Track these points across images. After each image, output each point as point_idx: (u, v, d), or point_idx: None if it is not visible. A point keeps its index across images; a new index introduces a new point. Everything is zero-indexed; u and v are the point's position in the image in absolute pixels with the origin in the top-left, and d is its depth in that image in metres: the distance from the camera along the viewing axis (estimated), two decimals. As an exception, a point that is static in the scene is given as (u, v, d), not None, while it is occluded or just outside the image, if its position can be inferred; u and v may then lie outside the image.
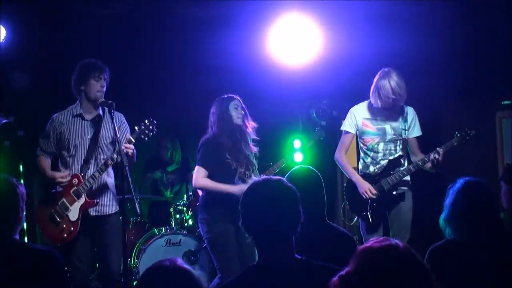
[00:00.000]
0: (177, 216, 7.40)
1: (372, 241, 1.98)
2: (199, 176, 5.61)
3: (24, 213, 3.68)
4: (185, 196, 7.56)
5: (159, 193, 8.24)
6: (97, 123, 5.51)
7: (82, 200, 5.42)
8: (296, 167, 4.29)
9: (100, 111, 5.51)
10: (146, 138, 5.47)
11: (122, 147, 5.20)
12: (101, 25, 6.93)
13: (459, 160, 6.49)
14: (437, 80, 7.15)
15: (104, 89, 5.48)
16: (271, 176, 3.03)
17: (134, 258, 7.08)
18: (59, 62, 6.75)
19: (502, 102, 6.90)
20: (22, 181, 3.84)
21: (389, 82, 5.70)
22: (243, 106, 5.73)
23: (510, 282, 3.26)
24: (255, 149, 5.75)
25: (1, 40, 6.33)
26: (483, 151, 6.82)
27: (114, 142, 5.51)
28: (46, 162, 5.56)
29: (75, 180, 5.43)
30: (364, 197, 5.81)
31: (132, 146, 5.33)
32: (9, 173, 6.23)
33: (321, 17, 7.13)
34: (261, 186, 2.92)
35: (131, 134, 5.40)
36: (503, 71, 6.87)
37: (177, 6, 7.08)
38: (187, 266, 2.44)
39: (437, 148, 5.73)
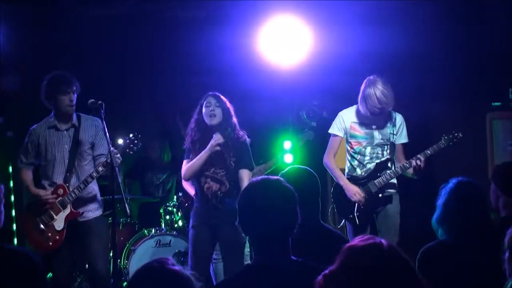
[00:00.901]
0: (167, 217, 7.38)
1: (357, 239, 1.98)
2: (184, 167, 5.72)
3: (3, 215, 3.67)
4: (175, 197, 7.54)
5: (149, 195, 8.20)
6: (73, 132, 5.57)
7: (67, 211, 5.50)
8: (292, 166, 4.28)
9: (75, 119, 5.58)
10: (131, 152, 5.54)
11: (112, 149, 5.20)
12: (90, 26, 6.91)
13: (450, 161, 6.50)
14: (426, 80, 7.16)
15: (74, 101, 5.50)
16: (270, 176, 2.98)
17: (124, 259, 7.06)
18: (49, 62, 6.72)
19: (493, 104, 6.90)
20: (11, 183, 3.83)
21: (375, 92, 5.68)
22: (222, 101, 5.64)
23: (502, 283, 3.26)
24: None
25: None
26: (473, 152, 6.82)
27: (93, 146, 5.59)
28: (28, 176, 5.64)
29: (61, 191, 5.51)
30: (353, 199, 5.81)
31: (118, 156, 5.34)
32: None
33: (311, 17, 7.14)
34: (259, 186, 2.89)
35: (116, 148, 5.44)
36: (494, 72, 6.88)
37: (168, 6, 7.07)
38: (177, 267, 2.42)
39: (418, 155, 5.74)
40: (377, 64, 5.97)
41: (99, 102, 5.27)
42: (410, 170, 5.80)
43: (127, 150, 5.48)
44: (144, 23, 7.18)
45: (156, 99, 8.06)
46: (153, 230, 7.18)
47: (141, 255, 6.86)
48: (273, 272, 2.77)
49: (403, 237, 5.86)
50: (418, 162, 5.70)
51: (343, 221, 6.04)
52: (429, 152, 5.75)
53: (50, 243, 5.46)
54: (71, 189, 5.46)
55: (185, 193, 6.81)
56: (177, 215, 7.35)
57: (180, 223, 7.31)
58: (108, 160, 5.17)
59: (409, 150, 5.98)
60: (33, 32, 7.00)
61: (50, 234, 5.46)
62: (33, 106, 6.90)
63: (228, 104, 5.67)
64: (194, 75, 7.34)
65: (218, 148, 5.53)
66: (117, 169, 5.14)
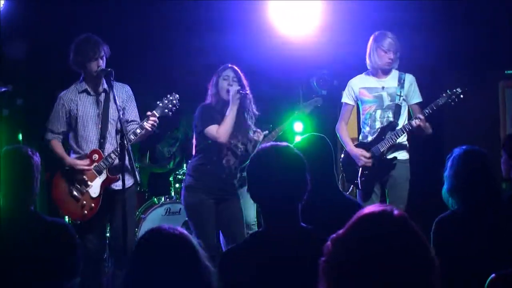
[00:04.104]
0: (177, 185, 7.40)
1: (369, 207, 1.97)
2: (215, 130, 5.48)
3: (39, 183, 3.68)
4: (184, 165, 7.54)
5: (160, 166, 8.17)
6: (104, 96, 5.44)
7: (103, 176, 5.37)
8: (308, 134, 4.27)
9: (105, 84, 5.41)
10: (170, 113, 5.45)
11: (147, 124, 5.22)
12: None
13: (460, 130, 6.47)
14: (438, 49, 7.09)
15: (104, 63, 5.36)
16: (279, 143, 2.96)
17: (134, 227, 7.09)
18: (59, 29, 6.70)
19: (506, 72, 6.85)
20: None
21: (385, 43, 5.77)
22: (239, 76, 5.60)
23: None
24: (251, 125, 5.68)
25: (0, 8, 6.27)
26: (485, 121, 6.78)
27: (124, 112, 5.46)
28: (61, 147, 5.44)
29: (95, 156, 5.36)
30: (359, 163, 5.82)
31: (157, 121, 5.31)
32: (8, 143, 6.24)
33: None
34: (268, 152, 2.87)
35: (155, 109, 5.36)
36: (507, 40, 6.81)
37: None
38: (187, 233, 2.42)
39: (418, 114, 5.73)
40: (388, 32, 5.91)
41: (109, 69, 5.23)
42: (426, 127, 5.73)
43: (166, 111, 5.41)
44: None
45: (166, 73, 8.01)
46: (162, 199, 7.22)
47: (151, 223, 6.89)
48: (281, 239, 2.77)
49: (412, 205, 5.84)
50: (418, 121, 5.68)
51: (351, 187, 6.04)
52: (428, 110, 5.72)
53: (85, 212, 5.30)
54: (106, 154, 5.34)
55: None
56: (187, 183, 7.35)
57: (190, 191, 7.31)
58: (119, 128, 5.12)
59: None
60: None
61: (85, 202, 5.30)
62: (43, 73, 6.90)
63: (244, 79, 5.62)
64: (203, 48, 7.30)
65: (239, 95, 5.43)
66: (131, 137, 5.14)
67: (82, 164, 5.33)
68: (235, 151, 5.59)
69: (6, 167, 3.68)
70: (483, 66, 7.03)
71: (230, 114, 5.46)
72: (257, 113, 5.71)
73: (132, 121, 5.50)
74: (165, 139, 8.14)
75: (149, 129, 5.30)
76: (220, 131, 5.45)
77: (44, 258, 3.42)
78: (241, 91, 5.46)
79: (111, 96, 5.27)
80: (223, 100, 5.56)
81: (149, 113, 5.36)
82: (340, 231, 1.94)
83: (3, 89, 6.71)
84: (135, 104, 5.54)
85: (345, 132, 6.07)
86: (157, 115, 5.35)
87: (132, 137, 5.28)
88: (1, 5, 6.29)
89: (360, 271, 1.82)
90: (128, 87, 5.54)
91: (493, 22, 6.83)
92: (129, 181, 5.41)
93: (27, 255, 3.39)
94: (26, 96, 7.12)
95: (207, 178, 5.52)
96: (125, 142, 4.92)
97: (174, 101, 5.42)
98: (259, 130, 5.74)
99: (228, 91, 5.51)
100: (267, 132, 6.05)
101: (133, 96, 5.55)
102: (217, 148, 5.54)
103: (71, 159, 5.39)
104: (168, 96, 5.43)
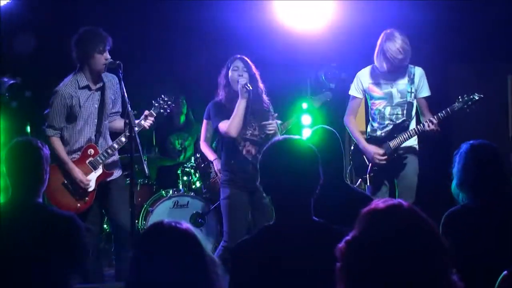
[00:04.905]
0: (185, 178, 7.39)
1: (376, 202, 1.95)
2: (225, 126, 5.49)
3: (48, 175, 3.70)
4: (192, 158, 7.54)
5: (169, 158, 8.14)
6: (102, 91, 5.46)
7: (99, 171, 5.43)
8: (317, 127, 4.27)
9: (104, 78, 5.45)
10: (165, 113, 5.55)
11: (146, 123, 5.38)
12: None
13: (469, 124, 6.45)
14: (446, 42, 7.06)
15: (109, 58, 5.36)
16: (292, 136, 2.95)
17: (141, 220, 7.10)
18: (66, 22, 6.70)
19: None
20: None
21: (394, 43, 5.65)
22: (249, 66, 5.59)
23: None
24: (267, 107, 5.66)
25: (8, 0, 6.28)
26: (494, 115, 6.76)
27: (113, 104, 5.53)
28: (61, 146, 5.40)
29: (91, 151, 5.41)
30: (374, 162, 5.80)
31: (152, 119, 5.40)
32: (16, 135, 6.25)
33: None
34: (281, 145, 2.86)
35: (152, 109, 5.45)
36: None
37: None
38: (188, 225, 2.41)
39: (431, 117, 5.68)
40: (396, 24, 5.88)
41: (117, 62, 5.22)
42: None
43: (161, 110, 5.48)
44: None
45: (171, 65, 8.00)
46: (170, 191, 7.21)
47: (158, 216, 6.87)
48: (293, 233, 2.75)
49: (419, 201, 5.83)
50: (431, 124, 5.65)
51: (359, 181, 6.03)
52: (442, 114, 5.67)
53: (79, 205, 5.37)
54: (102, 149, 5.40)
55: (203, 154, 6.80)
56: (195, 176, 7.36)
57: (198, 184, 7.33)
58: (127, 121, 5.13)
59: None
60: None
61: (79, 196, 5.39)
62: (52, 65, 6.90)
63: (254, 68, 5.61)
64: (213, 40, 7.29)
65: (245, 90, 5.41)
66: (135, 129, 5.14)
67: (80, 178, 5.33)
68: (253, 140, 5.58)
69: (16, 159, 3.70)
70: (492, 59, 6.99)
71: (239, 109, 5.45)
72: (268, 101, 5.71)
73: (116, 112, 5.62)
74: (178, 132, 8.12)
75: (147, 127, 5.47)
76: (230, 126, 5.46)
77: (52, 250, 3.43)
78: (247, 86, 5.43)
79: (106, 91, 5.38)
80: (234, 91, 5.56)
81: (146, 112, 5.45)
82: (353, 232, 1.92)
83: (11, 82, 6.72)
84: (121, 94, 5.37)
85: (355, 127, 6.05)
86: (154, 115, 5.43)
87: (125, 136, 5.31)
88: (1, 3, 6.29)
89: (378, 269, 1.82)
90: (114, 75, 5.44)
91: (502, 15, 6.79)
92: (118, 171, 5.58)
93: (34, 246, 3.41)
94: (35, 88, 7.12)
95: (235, 172, 5.55)
96: (133, 134, 4.94)
97: (169, 102, 5.50)
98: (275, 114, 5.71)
99: (238, 82, 5.51)
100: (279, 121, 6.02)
101: (121, 88, 5.47)
102: (232, 141, 5.55)
103: (74, 169, 5.35)
104: (163, 96, 5.51)
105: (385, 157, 5.79)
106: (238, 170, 5.55)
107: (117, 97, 5.54)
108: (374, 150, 5.82)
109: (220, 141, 5.73)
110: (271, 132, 5.54)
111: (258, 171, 5.10)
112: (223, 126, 5.50)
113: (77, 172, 5.35)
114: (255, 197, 5.54)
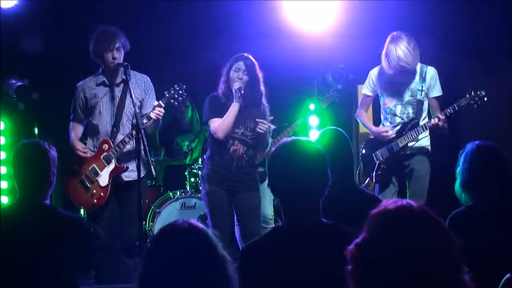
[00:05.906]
0: (192, 179, 7.39)
1: (385, 203, 1.94)
2: (215, 125, 5.49)
3: (55, 177, 3.70)
4: (199, 159, 7.54)
5: (176, 158, 8.14)
6: (122, 87, 5.50)
7: (112, 166, 5.45)
8: (326, 128, 4.27)
9: (123, 76, 5.44)
10: (176, 103, 5.50)
11: (153, 113, 5.27)
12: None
13: (474, 122, 6.42)
14: (451, 39, 7.03)
15: (119, 54, 5.41)
16: (300, 137, 2.94)
17: (149, 222, 7.10)
18: (74, 23, 6.70)
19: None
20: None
21: (396, 50, 5.56)
22: (252, 68, 5.50)
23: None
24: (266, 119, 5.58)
25: (16, 1, 6.29)
26: (499, 113, 6.73)
27: (141, 104, 5.52)
28: (76, 129, 5.58)
29: (105, 146, 5.46)
30: (386, 139, 5.81)
31: (162, 111, 5.34)
32: (24, 136, 6.27)
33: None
34: (289, 147, 2.85)
35: (161, 99, 5.40)
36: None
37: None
38: (201, 225, 2.41)
39: (438, 114, 5.65)
40: (403, 25, 5.86)
41: (125, 63, 5.26)
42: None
43: (172, 100, 5.43)
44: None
45: (177, 64, 8.00)
46: (178, 193, 7.21)
47: (166, 218, 6.89)
48: (302, 234, 2.75)
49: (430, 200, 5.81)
50: (437, 120, 5.61)
51: (367, 180, 6.02)
52: (449, 110, 5.62)
53: (95, 200, 5.40)
54: (115, 144, 5.42)
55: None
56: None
57: (205, 185, 7.31)
58: (134, 122, 5.15)
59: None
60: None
61: (95, 191, 5.41)
62: (59, 67, 6.91)
63: (258, 70, 5.53)
64: (220, 40, 7.28)
65: (239, 93, 5.38)
66: (142, 131, 5.14)
67: (81, 149, 5.44)
68: (243, 140, 5.53)
69: (23, 160, 3.70)
70: (496, 56, 6.96)
71: (231, 112, 5.44)
72: (266, 105, 5.65)
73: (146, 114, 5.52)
74: (185, 133, 8.12)
75: (155, 118, 5.33)
76: (219, 128, 5.46)
77: (59, 252, 3.43)
78: (240, 91, 5.39)
79: (128, 89, 5.30)
80: (231, 90, 5.50)
81: (155, 103, 5.40)
82: (363, 234, 1.90)
83: (19, 83, 6.74)
84: (154, 96, 5.56)
85: (366, 118, 6.13)
86: (163, 105, 5.36)
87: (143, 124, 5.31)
88: (9, 4, 6.30)
89: (390, 271, 1.80)
90: (148, 78, 5.59)
91: (506, 12, 6.76)
92: (141, 173, 5.41)
93: (41, 248, 3.41)
94: (42, 90, 7.14)
95: (217, 169, 5.51)
96: (140, 136, 4.96)
97: (180, 91, 5.43)
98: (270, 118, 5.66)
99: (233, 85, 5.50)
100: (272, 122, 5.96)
101: (152, 88, 5.60)
102: (223, 141, 5.52)
103: (75, 141, 5.51)
104: (175, 86, 5.45)
105: (392, 131, 5.79)
106: (220, 168, 5.50)
107: (148, 99, 5.53)
108: (381, 129, 5.87)
109: (210, 135, 5.65)
110: (261, 131, 5.49)
111: (240, 171, 5.11)
112: (213, 125, 5.49)
113: (76, 144, 5.49)
114: (236, 197, 5.51)
